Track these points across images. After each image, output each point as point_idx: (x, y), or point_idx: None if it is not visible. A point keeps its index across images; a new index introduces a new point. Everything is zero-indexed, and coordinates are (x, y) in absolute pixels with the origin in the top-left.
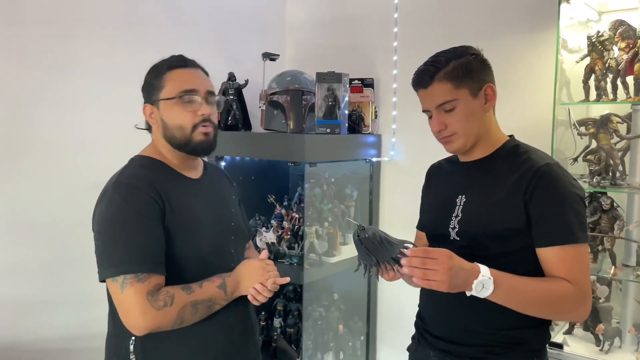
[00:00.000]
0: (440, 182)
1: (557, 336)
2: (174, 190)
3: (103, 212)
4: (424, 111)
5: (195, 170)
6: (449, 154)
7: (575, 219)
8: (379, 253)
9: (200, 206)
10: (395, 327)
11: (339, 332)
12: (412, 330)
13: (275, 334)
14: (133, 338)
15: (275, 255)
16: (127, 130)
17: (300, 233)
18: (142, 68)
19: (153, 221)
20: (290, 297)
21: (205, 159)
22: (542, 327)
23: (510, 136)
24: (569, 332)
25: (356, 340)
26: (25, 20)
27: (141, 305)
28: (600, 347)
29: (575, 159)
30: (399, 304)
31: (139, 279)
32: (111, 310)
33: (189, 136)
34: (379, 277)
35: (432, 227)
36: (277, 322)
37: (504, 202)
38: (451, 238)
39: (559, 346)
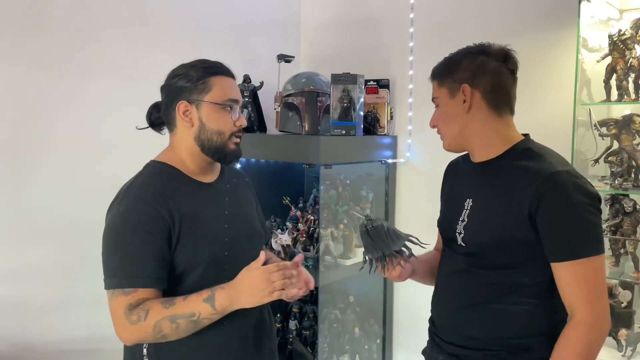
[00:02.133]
0: (455, 181)
1: None
2: (185, 198)
3: (109, 221)
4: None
5: (211, 174)
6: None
7: (586, 232)
8: (384, 245)
9: (213, 211)
10: (412, 330)
11: (355, 335)
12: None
13: (291, 336)
14: (146, 345)
15: (290, 257)
16: (142, 133)
17: (315, 235)
18: (159, 70)
19: (153, 235)
20: (305, 299)
21: None
22: (549, 334)
23: (525, 135)
24: None
25: (372, 343)
26: (43, 24)
27: (119, 318)
28: (622, 353)
29: (597, 161)
30: (415, 306)
31: (125, 293)
32: None
33: (225, 143)
34: (384, 274)
35: (442, 229)
36: (292, 324)
37: (508, 212)
38: (458, 243)
39: None
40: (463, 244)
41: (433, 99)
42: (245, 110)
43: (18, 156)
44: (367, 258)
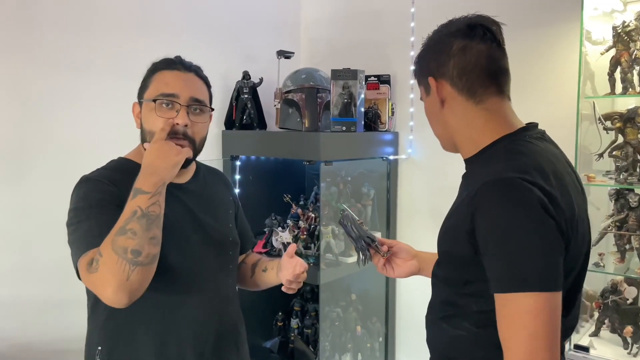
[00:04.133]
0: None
1: (582, 339)
2: None
3: (70, 207)
4: None
5: (183, 175)
6: None
7: (526, 257)
8: (357, 236)
9: (178, 213)
10: (414, 328)
11: (357, 333)
12: None
13: (293, 334)
14: (99, 349)
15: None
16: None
17: (316, 233)
18: None
19: (106, 206)
20: (307, 297)
21: (202, 161)
22: None
23: (513, 133)
24: (595, 334)
25: (375, 342)
26: (39, 20)
27: (89, 281)
28: (628, 350)
29: (601, 155)
30: (417, 304)
31: (84, 256)
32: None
33: None
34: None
35: None
36: (294, 322)
37: (454, 225)
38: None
39: (585, 349)
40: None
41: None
42: (247, 108)
43: (17, 154)
44: (361, 249)
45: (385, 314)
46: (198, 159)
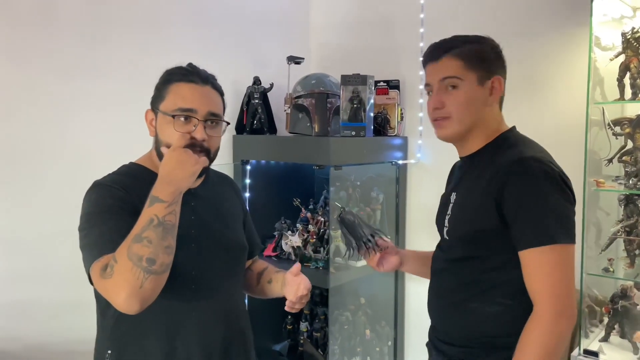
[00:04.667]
0: (450, 179)
1: (592, 344)
2: None
3: (82, 212)
4: (425, 86)
5: None
6: None
7: (552, 218)
8: (355, 233)
9: (188, 218)
10: (423, 332)
11: (366, 337)
12: None
13: (302, 338)
14: (109, 352)
15: (301, 259)
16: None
17: (325, 237)
18: None
19: (118, 212)
20: (316, 300)
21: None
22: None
23: (511, 128)
24: (604, 339)
25: (383, 346)
26: (54, 25)
27: (102, 287)
28: (638, 356)
29: (610, 160)
30: (426, 308)
31: (97, 262)
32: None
33: None
34: (364, 258)
35: (436, 226)
36: (303, 326)
37: (477, 203)
38: (444, 237)
39: (595, 354)
40: (447, 237)
41: (449, 77)
42: (257, 113)
43: (31, 157)
44: (350, 245)
45: (394, 318)
46: None
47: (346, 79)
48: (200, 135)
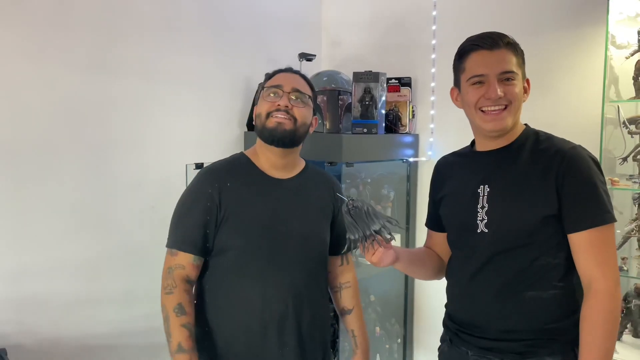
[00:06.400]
0: (454, 175)
1: None
2: (241, 186)
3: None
4: (475, 76)
5: (285, 170)
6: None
7: (603, 201)
8: (365, 225)
9: (259, 208)
10: (433, 330)
11: (376, 335)
12: None
13: None
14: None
15: None
16: (165, 131)
17: None
18: (183, 70)
19: (201, 210)
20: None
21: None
22: (577, 314)
23: (525, 124)
24: (617, 338)
25: (393, 343)
26: (71, 24)
27: (163, 273)
28: None
29: (625, 159)
30: (436, 306)
31: (171, 253)
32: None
33: (263, 122)
34: (365, 255)
35: (457, 221)
36: None
37: (534, 190)
38: (479, 231)
39: None
40: (486, 230)
41: (509, 72)
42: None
43: (46, 154)
44: (350, 238)
45: (403, 316)
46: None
47: (358, 76)
48: (284, 102)
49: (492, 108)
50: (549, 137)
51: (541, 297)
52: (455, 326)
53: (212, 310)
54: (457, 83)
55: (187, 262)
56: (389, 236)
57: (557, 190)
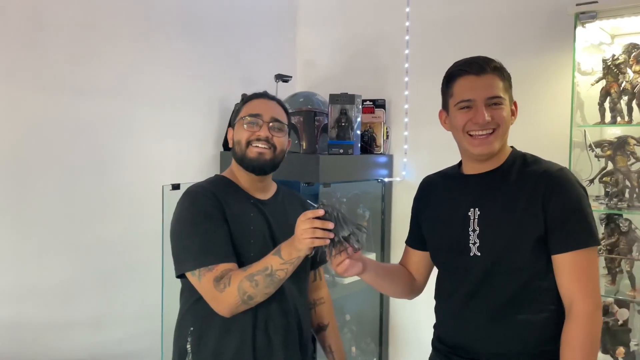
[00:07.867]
0: (440, 196)
1: None
2: (235, 203)
3: (178, 216)
4: (463, 101)
5: (263, 192)
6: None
7: (588, 223)
8: (334, 230)
9: (256, 222)
10: (408, 349)
11: (352, 354)
12: (426, 352)
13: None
14: (191, 329)
15: None
16: (146, 150)
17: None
18: (158, 90)
19: (221, 220)
20: None
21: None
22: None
23: (511, 147)
24: None
25: None
26: (43, 43)
27: (211, 292)
28: None
29: (592, 181)
30: (411, 325)
31: (209, 269)
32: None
33: (244, 151)
34: (331, 262)
35: (447, 243)
36: None
37: (524, 212)
38: (471, 254)
39: None
40: (479, 253)
41: (496, 97)
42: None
43: (17, 176)
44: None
45: (379, 335)
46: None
47: (334, 98)
48: (264, 132)
49: (480, 132)
50: (537, 160)
51: (533, 320)
52: (446, 348)
53: (213, 331)
54: (445, 106)
55: (230, 266)
56: (356, 245)
57: (543, 211)
